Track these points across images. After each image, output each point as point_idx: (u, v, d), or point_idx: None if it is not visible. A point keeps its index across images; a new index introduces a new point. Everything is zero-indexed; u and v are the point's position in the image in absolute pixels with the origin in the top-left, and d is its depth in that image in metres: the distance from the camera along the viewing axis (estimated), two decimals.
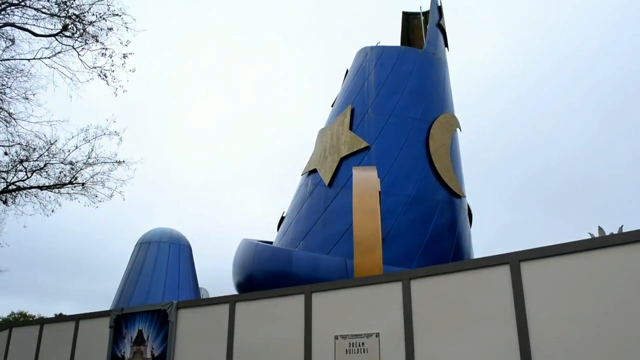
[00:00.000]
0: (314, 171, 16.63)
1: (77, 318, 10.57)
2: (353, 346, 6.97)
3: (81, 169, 15.93)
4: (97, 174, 16.44)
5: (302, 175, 17.61)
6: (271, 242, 17.84)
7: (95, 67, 14.49)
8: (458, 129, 16.57)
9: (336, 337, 7.10)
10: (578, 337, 5.47)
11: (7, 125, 14.90)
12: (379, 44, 17.48)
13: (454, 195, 15.44)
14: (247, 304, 8.03)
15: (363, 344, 6.91)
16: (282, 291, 7.80)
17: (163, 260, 17.16)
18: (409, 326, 6.63)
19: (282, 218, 18.09)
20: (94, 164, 15.92)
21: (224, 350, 7.97)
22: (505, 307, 6.07)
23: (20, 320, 42.16)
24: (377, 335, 6.83)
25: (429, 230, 14.87)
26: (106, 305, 17.77)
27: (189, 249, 18.72)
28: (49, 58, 14.42)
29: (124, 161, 16.17)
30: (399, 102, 15.98)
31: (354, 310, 7.10)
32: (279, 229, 18.04)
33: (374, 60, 16.97)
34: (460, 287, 6.46)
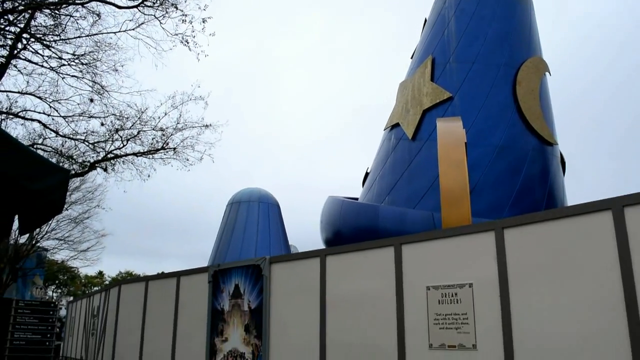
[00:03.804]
0: (397, 125, 16.35)
1: (178, 275, 11.14)
2: (446, 297, 6.87)
3: (171, 135, 16.51)
4: (186, 138, 17.04)
5: (384, 130, 17.38)
6: (357, 199, 17.88)
7: (176, 34, 14.79)
8: (547, 73, 15.63)
9: (428, 288, 7.02)
10: None
11: (101, 97, 15.64)
12: None
13: (545, 143, 14.71)
14: (338, 257, 8.09)
15: (456, 294, 6.79)
16: (372, 244, 7.78)
17: (253, 218, 17.72)
18: (504, 277, 6.42)
19: (367, 174, 18.04)
20: (182, 129, 16.42)
21: (317, 302, 8.12)
22: (607, 257, 5.71)
23: (128, 278, 45.17)
24: (471, 285, 6.68)
25: (519, 181, 14.32)
26: (205, 264, 18.67)
27: (277, 207, 19.22)
28: (133, 29, 14.88)
29: (210, 125, 16.61)
30: (482, 48, 15.26)
31: (445, 261, 6.97)
32: (364, 185, 18.02)
33: (453, 7, 16.21)
34: (557, 235, 6.15)
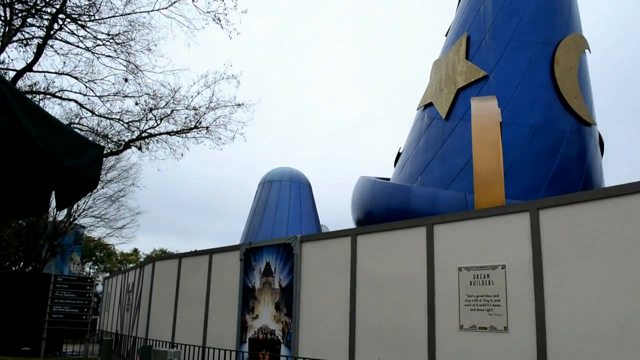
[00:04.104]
0: (430, 105, 16.13)
1: (210, 252, 11.30)
2: (478, 278, 6.80)
3: (204, 114, 16.54)
4: (219, 117, 17.11)
5: (417, 109, 17.16)
6: (388, 179, 17.77)
7: (209, 12, 14.74)
8: (587, 50, 15.14)
9: (460, 269, 6.96)
10: None
11: (135, 77, 15.78)
12: None
13: (583, 124, 14.32)
14: (369, 236, 8.08)
15: (488, 275, 6.72)
16: (403, 223, 7.74)
17: (285, 198, 17.75)
18: (538, 258, 6.31)
19: (399, 154, 17.89)
20: (215, 108, 16.41)
21: (347, 281, 8.14)
22: None
23: (162, 255, 46.11)
24: (503, 267, 6.60)
25: (555, 162, 14.00)
26: (237, 243, 18.90)
27: (308, 186, 19.24)
28: (166, 8, 14.89)
29: (242, 104, 16.55)
30: (519, 25, 14.85)
31: (478, 242, 6.89)
32: (396, 166, 17.89)
33: None
34: (595, 217, 6.00)
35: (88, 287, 16.25)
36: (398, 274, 7.57)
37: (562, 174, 13.94)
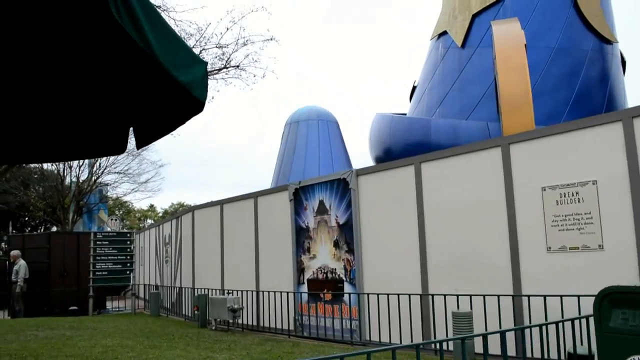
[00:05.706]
0: (444, 33, 15.00)
1: (255, 195, 10.42)
2: (565, 196, 5.99)
3: (234, 51, 14.67)
4: (250, 53, 15.34)
5: (431, 39, 16.03)
6: (405, 114, 16.81)
7: None
8: None
9: (544, 189, 6.14)
10: None
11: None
12: None
13: (605, 42, 13.29)
14: (434, 163, 7.20)
15: (577, 193, 5.90)
16: (474, 146, 6.85)
17: (314, 137, 16.58)
18: (635, 172, 5.49)
19: (414, 88, 16.85)
20: (245, 44, 14.49)
21: (413, 212, 7.32)
22: None
23: (199, 205, 45.09)
24: (595, 182, 5.77)
25: (578, 84, 13.06)
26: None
27: (336, 124, 18.19)
28: None
29: (273, 38, 14.68)
30: None
31: (563, 158, 6.02)
32: (412, 100, 16.88)
33: None
34: None
35: (128, 242, 15.42)
36: (471, 200, 6.75)
37: (585, 95, 13.05)
